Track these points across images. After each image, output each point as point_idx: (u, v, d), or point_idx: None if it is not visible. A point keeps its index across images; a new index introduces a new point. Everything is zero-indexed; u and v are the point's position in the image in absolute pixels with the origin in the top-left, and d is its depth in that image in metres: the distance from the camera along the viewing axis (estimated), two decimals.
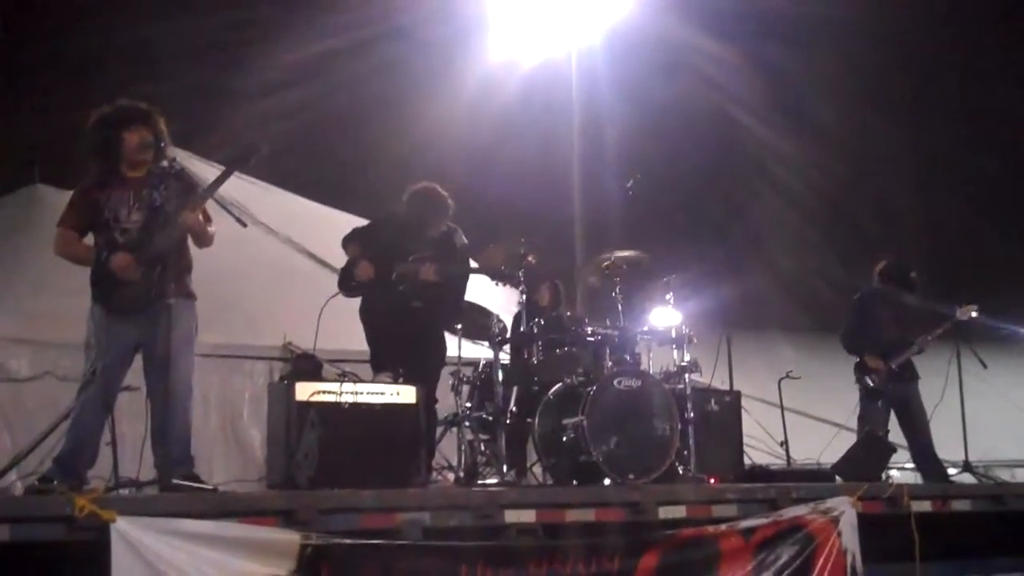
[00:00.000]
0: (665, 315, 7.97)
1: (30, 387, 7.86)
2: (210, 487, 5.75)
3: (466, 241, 7.62)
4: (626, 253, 7.78)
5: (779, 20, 17.82)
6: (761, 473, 7.85)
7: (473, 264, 7.51)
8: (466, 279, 7.55)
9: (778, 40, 17.74)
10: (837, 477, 7.76)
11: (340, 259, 7.77)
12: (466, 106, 15.16)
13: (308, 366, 6.56)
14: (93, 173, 6.07)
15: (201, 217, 5.94)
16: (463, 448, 7.10)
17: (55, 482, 5.44)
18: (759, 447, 9.42)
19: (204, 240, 6.02)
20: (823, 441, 9.96)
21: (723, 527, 6.24)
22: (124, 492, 5.77)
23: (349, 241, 7.60)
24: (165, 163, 5.87)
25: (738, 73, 17.15)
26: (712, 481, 7.36)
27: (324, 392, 6.15)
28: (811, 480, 7.51)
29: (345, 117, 17.36)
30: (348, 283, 7.43)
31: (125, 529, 4.65)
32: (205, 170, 9.33)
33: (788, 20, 17.80)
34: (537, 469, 7.50)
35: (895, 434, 8.79)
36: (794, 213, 18.72)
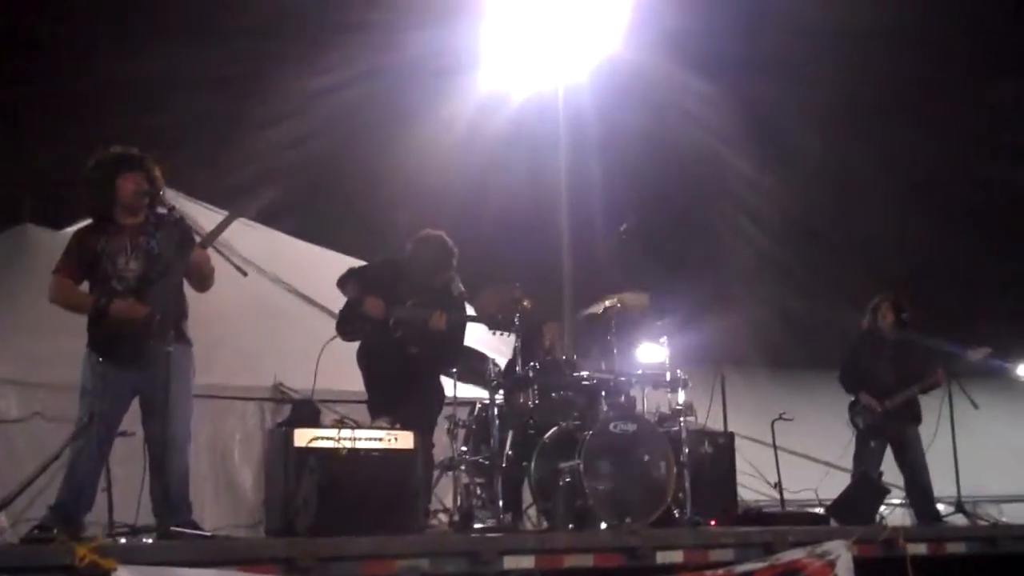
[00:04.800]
0: (658, 354, 7.98)
1: (19, 428, 7.78)
2: (208, 534, 5.74)
3: (463, 289, 7.61)
4: (620, 295, 7.79)
5: (764, 57, 17.99)
6: (756, 516, 7.84)
7: (471, 312, 7.50)
8: (464, 326, 7.54)
9: (763, 76, 17.89)
10: (832, 520, 7.78)
11: (331, 299, 7.72)
12: (454, 143, 15.20)
13: (306, 412, 6.53)
14: (89, 220, 6.05)
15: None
16: (459, 492, 7.08)
17: (54, 530, 5.41)
18: (751, 487, 9.42)
19: (208, 282, 6.00)
20: (815, 478, 9.98)
21: (720, 571, 6.23)
22: (123, 540, 5.72)
23: (346, 281, 7.52)
24: (164, 210, 5.85)
25: (723, 109, 17.28)
26: (712, 523, 7.36)
27: (322, 438, 6.12)
28: (806, 523, 7.51)
29: (332, 154, 17.35)
30: (350, 324, 7.36)
31: None
32: (200, 212, 9.34)
33: (773, 57, 17.98)
34: (532, 512, 7.48)
35: (889, 475, 8.80)
36: (781, 249, 18.81)
